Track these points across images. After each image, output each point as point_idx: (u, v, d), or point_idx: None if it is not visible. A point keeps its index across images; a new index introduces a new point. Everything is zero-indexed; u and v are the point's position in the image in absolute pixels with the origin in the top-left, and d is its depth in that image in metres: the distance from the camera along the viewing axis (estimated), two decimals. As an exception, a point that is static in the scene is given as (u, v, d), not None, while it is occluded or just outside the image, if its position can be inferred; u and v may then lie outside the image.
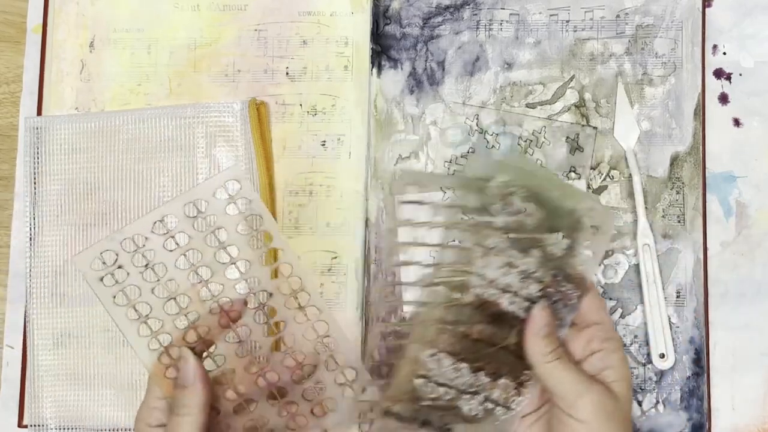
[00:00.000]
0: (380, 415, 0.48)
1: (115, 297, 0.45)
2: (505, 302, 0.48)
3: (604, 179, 0.58)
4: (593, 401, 0.45)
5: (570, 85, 0.58)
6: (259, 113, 0.58)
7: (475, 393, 0.49)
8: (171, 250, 0.46)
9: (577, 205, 0.48)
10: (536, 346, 0.47)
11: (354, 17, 0.59)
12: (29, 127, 0.58)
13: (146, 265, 0.45)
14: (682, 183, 0.57)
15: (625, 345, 0.57)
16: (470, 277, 0.47)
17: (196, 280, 0.47)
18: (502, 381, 0.48)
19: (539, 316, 0.47)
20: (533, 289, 0.48)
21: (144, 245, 0.45)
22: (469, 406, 0.48)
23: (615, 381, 0.46)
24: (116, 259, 0.44)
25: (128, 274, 0.45)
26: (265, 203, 0.57)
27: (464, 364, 0.48)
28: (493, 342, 0.48)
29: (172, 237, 0.46)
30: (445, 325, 0.48)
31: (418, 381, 0.48)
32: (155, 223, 0.45)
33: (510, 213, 0.48)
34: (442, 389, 0.48)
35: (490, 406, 0.49)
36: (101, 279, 0.44)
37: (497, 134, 0.58)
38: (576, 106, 0.58)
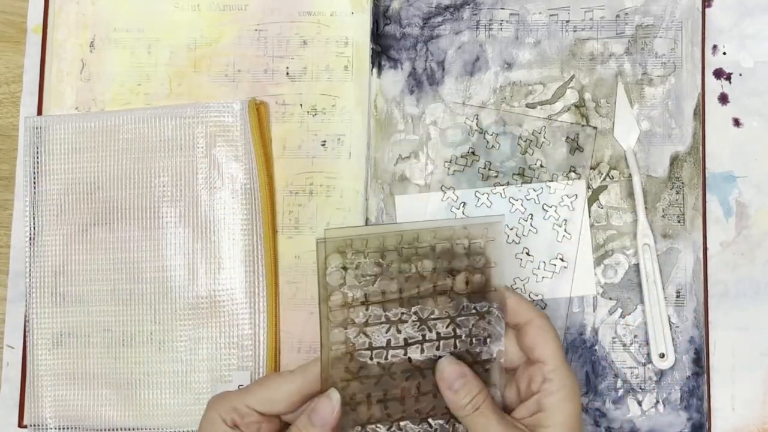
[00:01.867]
0: None
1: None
2: (416, 354, 0.47)
3: (604, 179, 0.58)
4: None
5: (570, 85, 0.58)
6: (258, 113, 0.58)
7: None
8: None
9: (450, 239, 0.48)
10: (451, 400, 0.46)
11: (354, 17, 0.59)
12: (29, 127, 0.58)
13: None
14: (682, 183, 0.57)
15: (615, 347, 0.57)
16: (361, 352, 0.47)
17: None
18: (435, 422, 0.48)
19: (446, 371, 0.46)
20: (440, 329, 0.47)
21: None
22: None
23: (547, 426, 0.45)
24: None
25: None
26: (264, 203, 0.57)
27: (405, 422, 0.47)
28: (416, 394, 0.48)
29: None
30: (359, 402, 0.47)
31: None
32: None
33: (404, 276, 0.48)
34: None
35: None
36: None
37: (497, 134, 0.58)
38: (576, 106, 0.58)
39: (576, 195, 0.57)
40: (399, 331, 0.47)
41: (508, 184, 0.58)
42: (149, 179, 0.57)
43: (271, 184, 0.58)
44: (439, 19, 0.59)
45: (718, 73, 0.59)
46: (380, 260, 0.47)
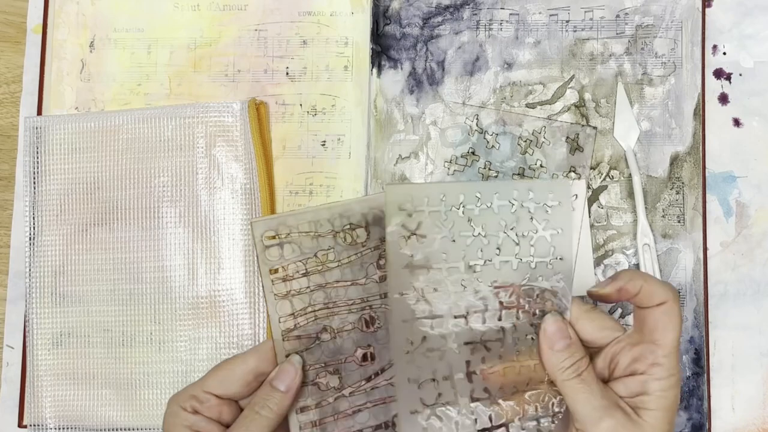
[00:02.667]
0: None
1: None
2: (477, 324, 0.46)
3: (604, 179, 0.58)
4: (608, 429, 0.42)
5: (570, 85, 0.58)
6: (258, 113, 0.58)
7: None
8: None
9: (517, 197, 0.47)
10: (551, 360, 0.44)
11: (354, 17, 0.59)
12: (29, 127, 0.58)
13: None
14: (682, 183, 0.57)
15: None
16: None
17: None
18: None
19: (550, 329, 0.44)
20: (503, 298, 0.46)
21: None
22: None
23: (649, 410, 0.43)
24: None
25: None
26: (264, 203, 0.57)
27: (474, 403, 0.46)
28: (371, 360, 0.47)
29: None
30: (426, 380, 0.46)
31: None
32: None
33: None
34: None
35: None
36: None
37: (497, 134, 0.58)
38: (576, 106, 0.58)
39: (576, 195, 0.57)
40: (460, 299, 0.45)
41: (508, 184, 0.58)
42: (149, 179, 0.57)
43: (271, 184, 0.58)
44: (439, 19, 0.59)
45: (718, 73, 0.59)
46: (314, 237, 0.47)
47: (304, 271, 0.47)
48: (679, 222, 0.57)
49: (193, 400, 0.46)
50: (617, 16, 0.59)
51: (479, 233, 0.46)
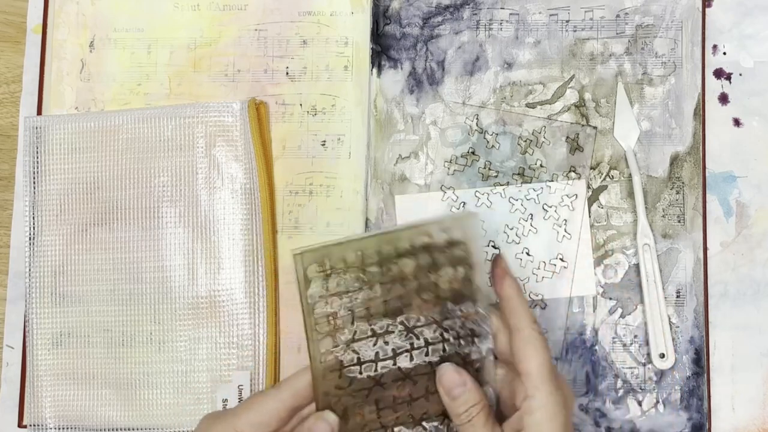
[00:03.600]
0: None
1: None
2: (405, 362, 0.46)
3: (604, 179, 0.58)
4: None
5: (570, 85, 0.58)
6: (258, 113, 0.58)
7: None
8: None
9: (417, 232, 0.47)
10: (449, 406, 0.45)
11: (354, 17, 0.59)
12: (29, 127, 0.58)
13: None
14: (682, 183, 0.57)
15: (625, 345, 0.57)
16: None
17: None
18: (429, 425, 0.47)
19: (445, 378, 0.45)
20: (428, 335, 0.46)
21: None
22: None
23: None
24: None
25: None
26: (264, 203, 0.57)
27: (399, 427, 0.47)
28: (409, 400, 0.47)
29: None
30: (352, 414, 0.46)
31: None
32: None
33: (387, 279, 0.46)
34: None
35: None
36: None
37: (497, 134, 0.58)
38: (576, 106, 0.58)
39: (576, 195, 0.57)
40: (386, 343, 0.46)
41: (508, 184, 0.58)
42: (149, 179, 0.57)
43: (271, 184, 0.58)
44: (439, 18, 0.59)
45: (718, 73, 0.59)
46: (361, 270, 0.46)
47: (350, 307, 0.46)
48: (679, 222, 0.57)
49: None
50: (617, 16, 0.59)
51: (394, 278, 0.46)
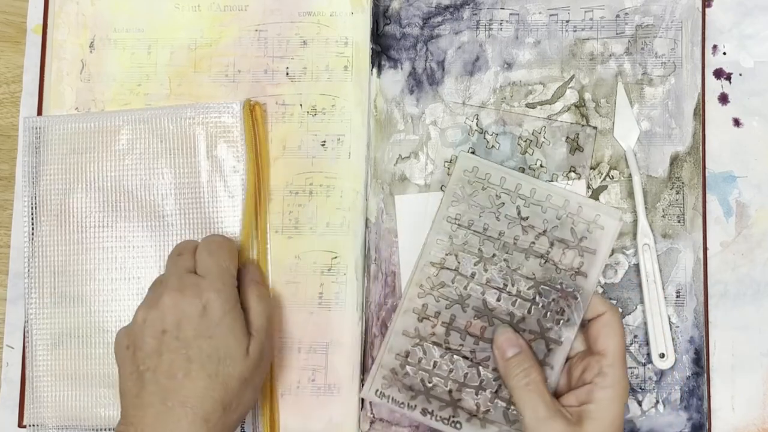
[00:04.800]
0: (375, 396, 0.49)
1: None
2: (492, 299, 0.50)
3: (604, 179, 0.58)
4: None
5: (570, 85, 0.58)
6: (253, 114, 0.58)
7: (480, 389, 0.49)
8: None
9: (565, 210, 0.50)
10: (502, 368, 0.48)
11: (354, 17, 0.59)
12: (29, 127, 0.58)
13: None
14: (682, 183, 0.57)
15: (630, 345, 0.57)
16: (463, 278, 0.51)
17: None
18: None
19: (500, 339, 0.48)
20: (522, 287, 0.50)
21: None
22: (475, 401, 0.49)
23: (591, 419, 0.45)
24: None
25: None
26: (253, 205, 0.56)
27: (458, 357, 0.49)
28: (481, 337, 0.49)
29: None
30: (427, 316, 0.51)
31: (404, 370, 0.50)
32: None
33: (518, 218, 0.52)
34: (435, 379, 0.49)
35: (501, 404, 0.49)
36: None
37: (497, 134, 0.58)
38: (576, 106, 0.58)
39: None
40: (485, 270, 0.50)
41: (508, 184, 0.58)
42: (150, 180, 0.57)
43: (264, 186, 0.58)
44: (439, 19, 0.59)
45: (718, 73, 0.59)
46: (498, 197, 0.51)
47: (473, 220, 0.52)
48: (679, 222, 0.57)
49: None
50: (617, 16, 0.59)
51: (521, 223, 0.51)
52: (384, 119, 0.59)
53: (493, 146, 0.58)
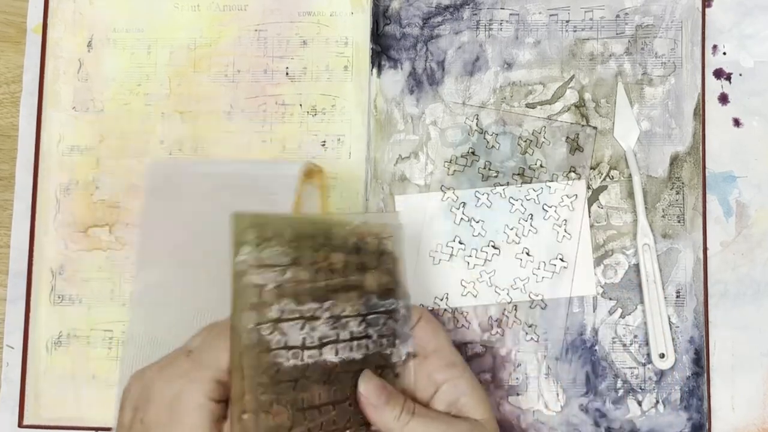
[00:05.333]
0: None
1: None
2: (331, 356, 0.45)
3: (604, 179, 0.58)
4: None
5: (570, 85, 0.58)
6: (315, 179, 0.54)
7: None
8: None
9: (351, 232, 0.47)
10: (382, 418, 0.44)
11: (354, 17, 0.59)
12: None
13: None
14: (682, 183, 0.57)
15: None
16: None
17: None
18: None
19: (368, 388, 0.44)
20: (353, 328, 0.45)
21: None
22: None
23: (473, 407, 0.45)
24: None
25: None
26: None
27: None
28: (333, 402, 0.45)
29: None
30: (277, 412, 0.43)
31: None
32: None
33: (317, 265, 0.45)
34: None
35: None
36: None
37: (497, 134, 0.58)
38: (576, 106, 0.58)
39: (576, 195, 0.57)
40: (313, 329, 0.44)
41: (508, 184, 0.58)
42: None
43: None
44: (439, 19, 0.59)
45: (718, 73, 0.59)
46: (294, 247, 0.44)
47: (278, 282, 0.44)
48: (679, 222, 0.57)
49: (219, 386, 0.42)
50: (617, 16, 0.59)
51: (322, 264, 0.46)
52: (384, 119, 0.59)
53: (493, 146, 0.58)
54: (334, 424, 0.44)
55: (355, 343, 0.45)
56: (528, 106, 0.58)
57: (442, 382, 0.46)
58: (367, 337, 0.46)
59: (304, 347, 0.44)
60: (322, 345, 0.44)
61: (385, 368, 0.46)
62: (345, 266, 0.46)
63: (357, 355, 0.45)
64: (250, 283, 0.43)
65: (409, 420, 0.44)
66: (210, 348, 0.43)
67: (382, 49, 0.59)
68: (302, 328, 0.44)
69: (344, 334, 0.45)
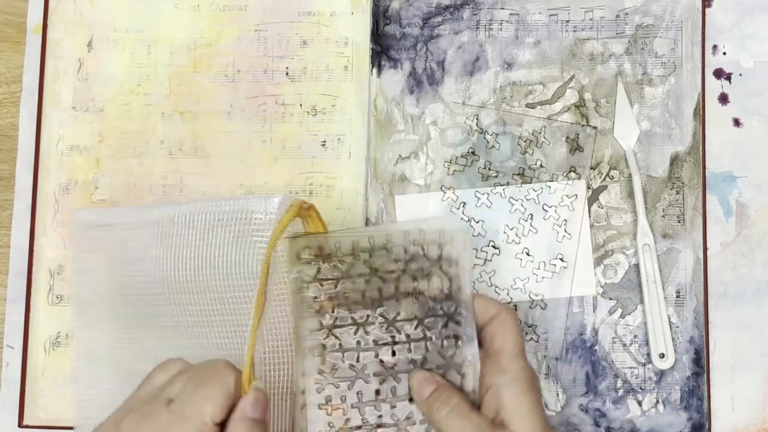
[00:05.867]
0: None
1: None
2: (387, 356, 0.47)
3: (604, 179, 0.58)
4: None
5: (570, 85, 0.58)
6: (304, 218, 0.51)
7: None
8: None
9: (409, 240, 0.49)
10: (426, 408, 0.45)
11: (354, 17, 0.59)
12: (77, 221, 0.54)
13: None
14: (682, 183, 0.57)
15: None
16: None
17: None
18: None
19: (415, 382, 0.46)
20: (409, 331, 0.48)
21: None
22: None
23: (511, 422, 0.43)
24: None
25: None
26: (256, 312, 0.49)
27: (384, 429, 0.47)
28: (391, 398, 0.47)
29: None
30: (335, 406, 0.47)
31: None
32: None
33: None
34: None
35: None
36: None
37: (497, 134, 0.58)
38: (576, 106, 0.58)
39: (576, 195, 0.57)
40: (367, 333, 0.48)
41: (508, 184, 0.58)
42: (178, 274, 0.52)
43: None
44: (439, 19, 0.59)
45: (718, 73, 0.59)
46: (341, 263, 0.48)
47: (331, 294, 0.48)
48: (679, 222, 0.57)
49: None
50: (617, 16, 0.59)
51: (376, 275, 0.48)
52: (384, 119, 0.59)
53: (493, 146, 0.58)
54: (395, 419, 0.47)
55: (412, 344, 0.48)
56: (528, 106, 0.58)
57: (488, 387, 0.45)
58: (426, 339, 0.48)
59: (359, 349, 0.48)
60: (378, 346, 0.48)
61: (448, 369, 0.47)
62: (400, 274, 0.48)
63: (416, 355, 0.48)
64: (306, 295, 0.48)
65: (441, 416, 0.44)
66: (193, 397, 0.42)
67: (382, 49, 0.59)
68: (356, 333, 0.48)
69: (400, 337, 0.48)
